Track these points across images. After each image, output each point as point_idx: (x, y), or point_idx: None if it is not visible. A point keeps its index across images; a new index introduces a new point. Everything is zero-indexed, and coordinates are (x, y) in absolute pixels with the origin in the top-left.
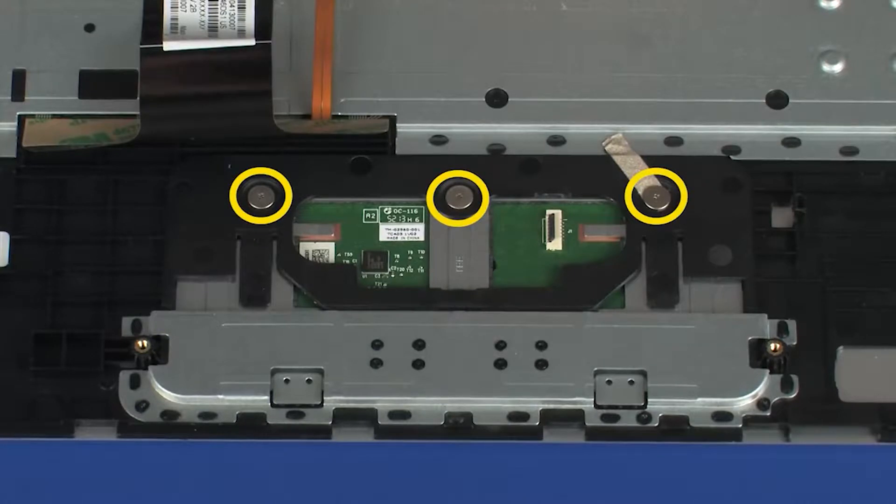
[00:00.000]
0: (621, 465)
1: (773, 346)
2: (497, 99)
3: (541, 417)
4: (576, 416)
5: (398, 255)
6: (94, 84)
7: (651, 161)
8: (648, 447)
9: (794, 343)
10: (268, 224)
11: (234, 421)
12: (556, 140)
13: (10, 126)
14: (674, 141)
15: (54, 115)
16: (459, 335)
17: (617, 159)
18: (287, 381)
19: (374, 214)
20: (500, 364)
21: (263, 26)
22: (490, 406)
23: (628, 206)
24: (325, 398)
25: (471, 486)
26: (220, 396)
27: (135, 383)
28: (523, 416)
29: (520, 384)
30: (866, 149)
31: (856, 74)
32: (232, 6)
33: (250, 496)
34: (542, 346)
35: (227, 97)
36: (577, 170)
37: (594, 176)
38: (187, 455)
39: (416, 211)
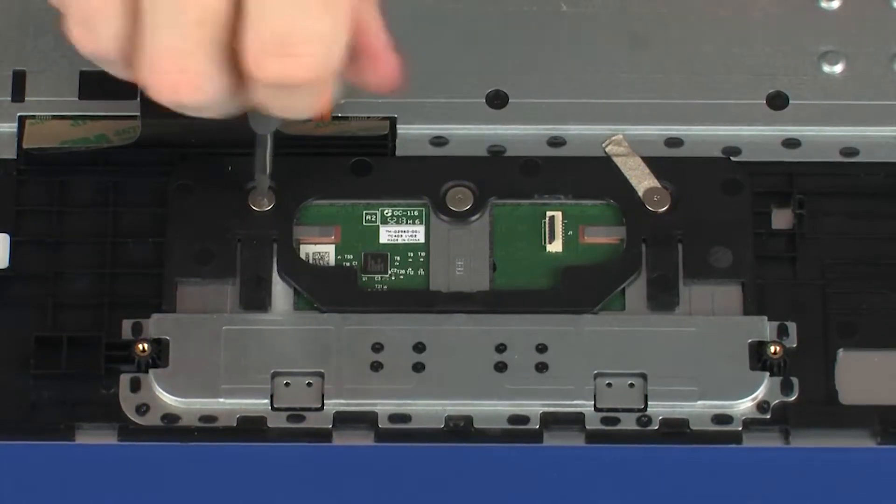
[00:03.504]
0: (621, 468)
1: (773, 349)
2: (497, 100)
3: (541, 420)
4: (576, 419)
5: (398, 258)
6: (94, 85)
7: (651, 162)
8: (648, 450)
9: (795, 345)
10: (268, 226)
11: (235, 424)
12: (556, 141)
13: (11, 127)
14: (674, 142)
15: (55, 116)
16: (460, 338)
17: (617, 160)
18: (287, 384)
19: (374, 216)
20: (501, 367)
21: None
22: (490, 409)
23: (628, 208)
24: (325, 401)
25: (471, 490)
26: (221, 400)
27: (135, 386)
28: (523, 419)
29: (520, 387)
30: (867, 150)
31: (856, 75)
32: None
33: (251, 499)
34: (542, 348)
35: None
36: (578, 171)
37: (594, 177)
38: (188, 458)
39: (416, 213)
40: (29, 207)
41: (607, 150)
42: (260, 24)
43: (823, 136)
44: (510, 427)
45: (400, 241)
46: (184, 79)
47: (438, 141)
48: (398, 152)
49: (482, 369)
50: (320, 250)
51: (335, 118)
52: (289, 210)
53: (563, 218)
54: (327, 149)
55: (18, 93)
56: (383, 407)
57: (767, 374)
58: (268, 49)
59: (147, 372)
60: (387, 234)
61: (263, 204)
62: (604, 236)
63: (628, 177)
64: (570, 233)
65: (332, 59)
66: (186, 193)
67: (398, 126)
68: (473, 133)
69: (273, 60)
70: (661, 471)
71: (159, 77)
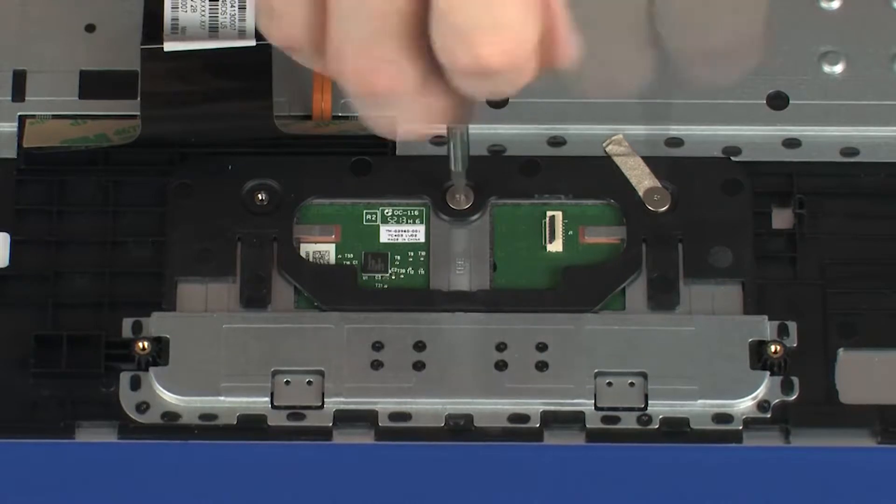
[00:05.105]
0: (622, 467)
1: (773, 348)
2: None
3: (541, 419)
4: (576, 418)
5: (399, 257)
6: (94, 84)
7: (651, 162)
8: (649, 449)
9: (795, 345)
10: (268, 225)
11: (235, 422)
12: (556, 141)
13: (11, 126)
14: (674, 142)
15: (55, 116)
16: (460, 337)
17: (617, 160)
18: (287, 382)
19: (374, 216)
20: (501, 366)
21: None
22: (490, 408)
23: (628, 208)
24: (325, 400)
25: (471, 488)
26: (221, 398)
27: (135, 385)
28: (524, 417)
29: (520, 386)
30: (867, 150)
31: (856, 75)
32: (232, 6)
33: (251, 498)
34: (542, 347)
35: (228, 98)
36: (578, 171)
37: (595, 177)
38: (188, 456)
39: (416, 212)
40: (29, 207)
41: (607, 150)
42: (447, 16)
43: (823, 136)
44: (510, 426)
45: (400, 240)
46: (372, 67)
47: (439, 140)
48: (398, 152)
49: (482, 368)
50: (320, 249)
51: (335, 118)
52: (289, 209)
53: (564, 218)
54: (327, 148)
55: (18, 93)
56: (383, 405)
57: (768, 373)
58: (457, 41)
59: (147, 370)
60: (387, 234)
61: (462, 202)
62: (604, 236)
63: (628, 177)
64: (570, 233)
65: (526, 44)
66: (186, 193)
67: None
68: (473, 133)
69: (463, 52)
70: (661, 470)
71: (348, 66)
